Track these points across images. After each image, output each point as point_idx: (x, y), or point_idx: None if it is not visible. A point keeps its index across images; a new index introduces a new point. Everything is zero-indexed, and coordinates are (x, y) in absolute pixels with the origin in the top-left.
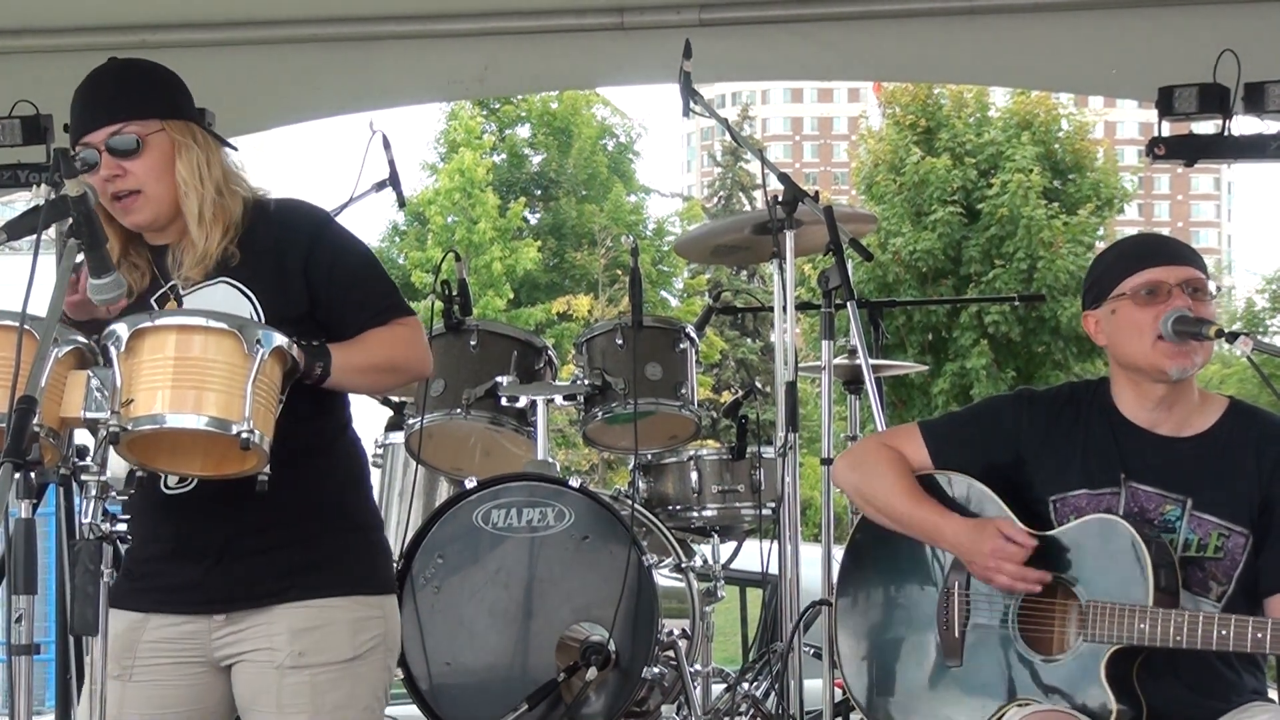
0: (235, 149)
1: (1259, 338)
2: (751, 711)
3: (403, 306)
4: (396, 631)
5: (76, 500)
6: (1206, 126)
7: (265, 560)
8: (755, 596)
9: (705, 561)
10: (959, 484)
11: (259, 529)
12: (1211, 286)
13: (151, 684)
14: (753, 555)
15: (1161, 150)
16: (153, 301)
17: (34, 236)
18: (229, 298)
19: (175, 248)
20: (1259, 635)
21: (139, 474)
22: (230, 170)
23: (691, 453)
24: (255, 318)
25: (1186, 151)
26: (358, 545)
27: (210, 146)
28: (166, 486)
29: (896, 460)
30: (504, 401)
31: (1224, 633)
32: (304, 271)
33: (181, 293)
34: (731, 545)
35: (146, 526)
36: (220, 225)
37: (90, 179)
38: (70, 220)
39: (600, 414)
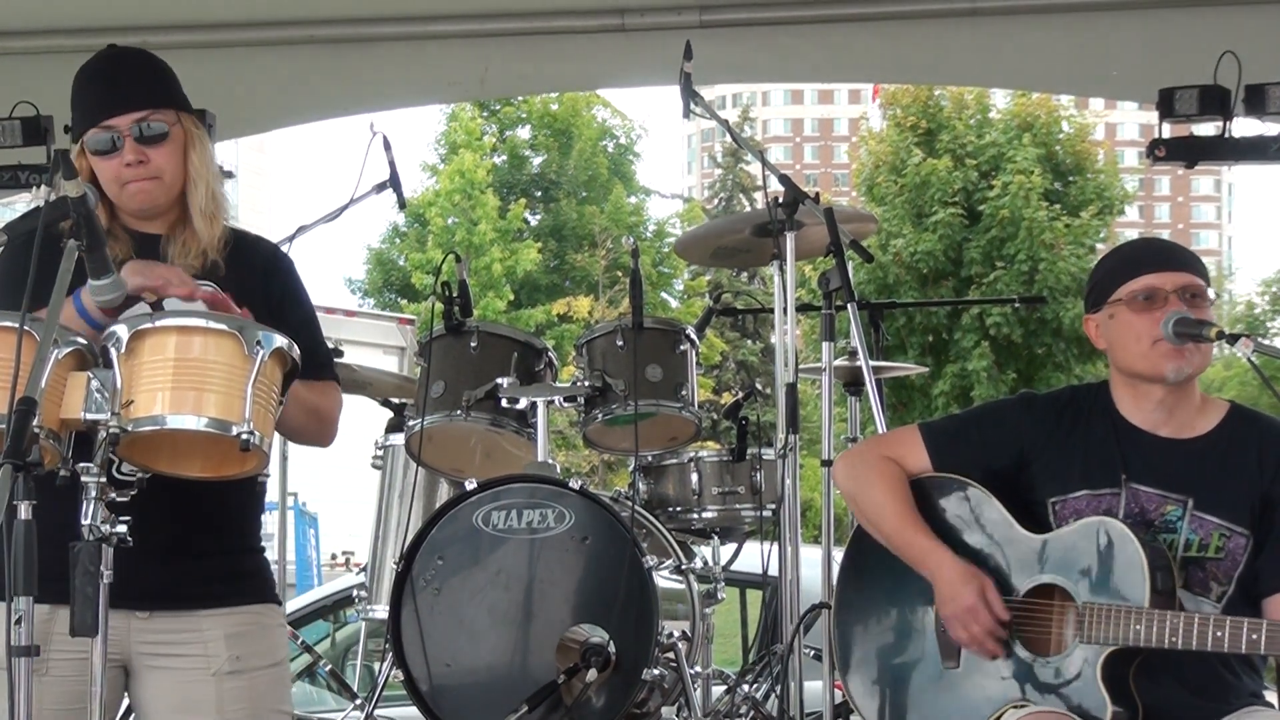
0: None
1: (1259, 339)
2: (751, 713)
3: (335, 371)
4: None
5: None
6: (1207, 128)
7: (196, 565)
8: (755, 598)
9: (705, 563)
10: (958, 487)
11: (195, 534)
12: (1210, 292)
13: (64, 679)
14: (753, 557)
15: (1162, 152)
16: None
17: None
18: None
19: (169, 239)
20: (1254, 637)
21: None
22: (219, 173)
23: (692, 454)
24: None
25: (1187, 153)
26: (264, 562)
27: (208, 143)
28: (119, 473)
29: (894, 477)
30: (504, 403)
31: (1219, 634)
32: (279, 304)
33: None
34: (732, 547)
35: (73, 516)
36: (218, 222)
37: (105, 162)
38: (70, 220)
39: (600, 415)
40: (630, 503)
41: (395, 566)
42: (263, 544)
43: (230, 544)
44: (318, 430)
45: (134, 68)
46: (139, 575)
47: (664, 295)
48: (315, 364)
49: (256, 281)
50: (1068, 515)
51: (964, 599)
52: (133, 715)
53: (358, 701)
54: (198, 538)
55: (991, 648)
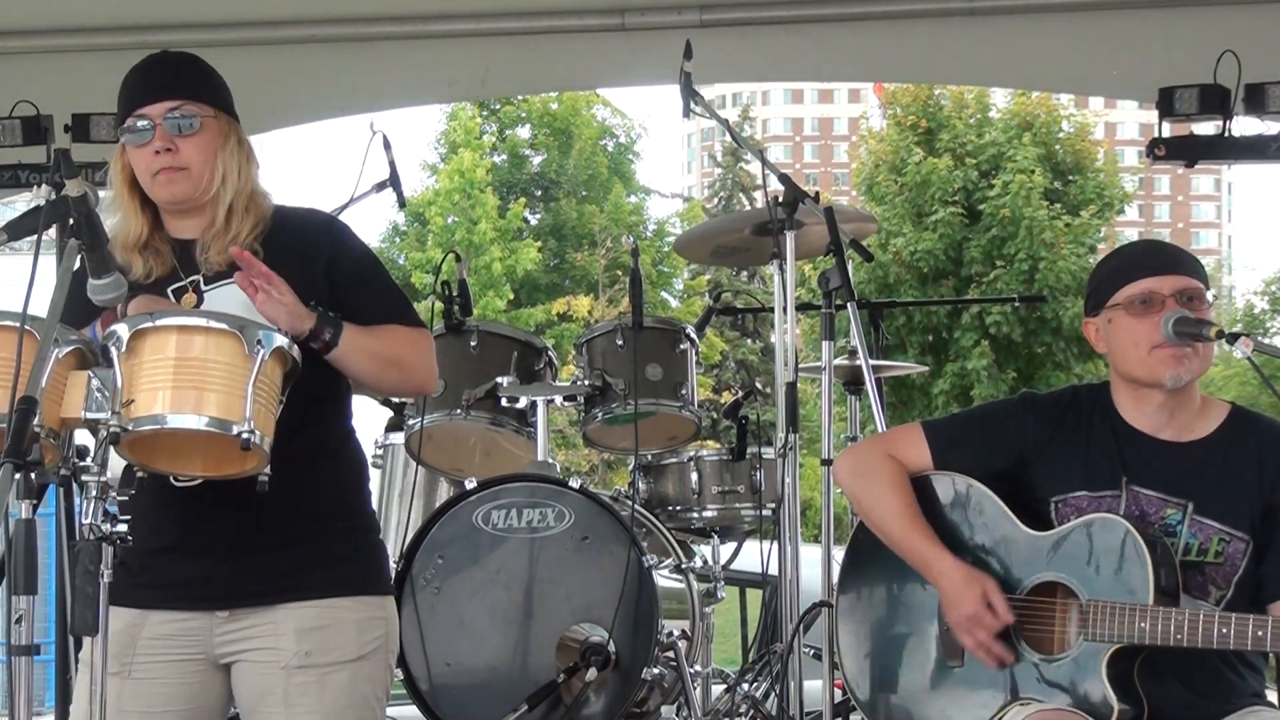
0: (258, 165)
1: (1259, 339)
2: (751, 712)
3: (419, 317)
4: (396, 633)
5: (77, 501)
6: (1207, 127)
7: (271, 558)
8: (755, 597)
9: (705, 562)
10: (959, 485)
11: (266, 526)
12: (1209, 295)
13: (150, 681)
14: (753, 556)
15: (1162, 151)
16: (170, 292)
17: (34, 237)
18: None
19: (203, 241)
20: (1259, 633)
21: (139, 472)
22: (258, 181)
23: (692, 453)
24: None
25: (1187, 152)
26: (361, 547)
27: (248, 149)
28: (176, 480)
29: (897, 476)
30: (504, 402)
31: (1224, 631)
32: (327, 274)
33: (204, 288)
34: (731, 546)
35: (151, 521)
36: (251, 218)
37: (138, 152)
38: (71, 220)
39: (600, 415)
40: (630, 502)
41: (395, 566)
42: (365, 520)
43: (310, 531)
44: (401, 378)
45: (174, 63)
46: (215, 576)
47: (664, 294)
48: (398, 310)
49: (293, 258)
50: (1069, 514)
51: (967, 605)
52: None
53: None
54: (271, 531)
55: (998, 653)
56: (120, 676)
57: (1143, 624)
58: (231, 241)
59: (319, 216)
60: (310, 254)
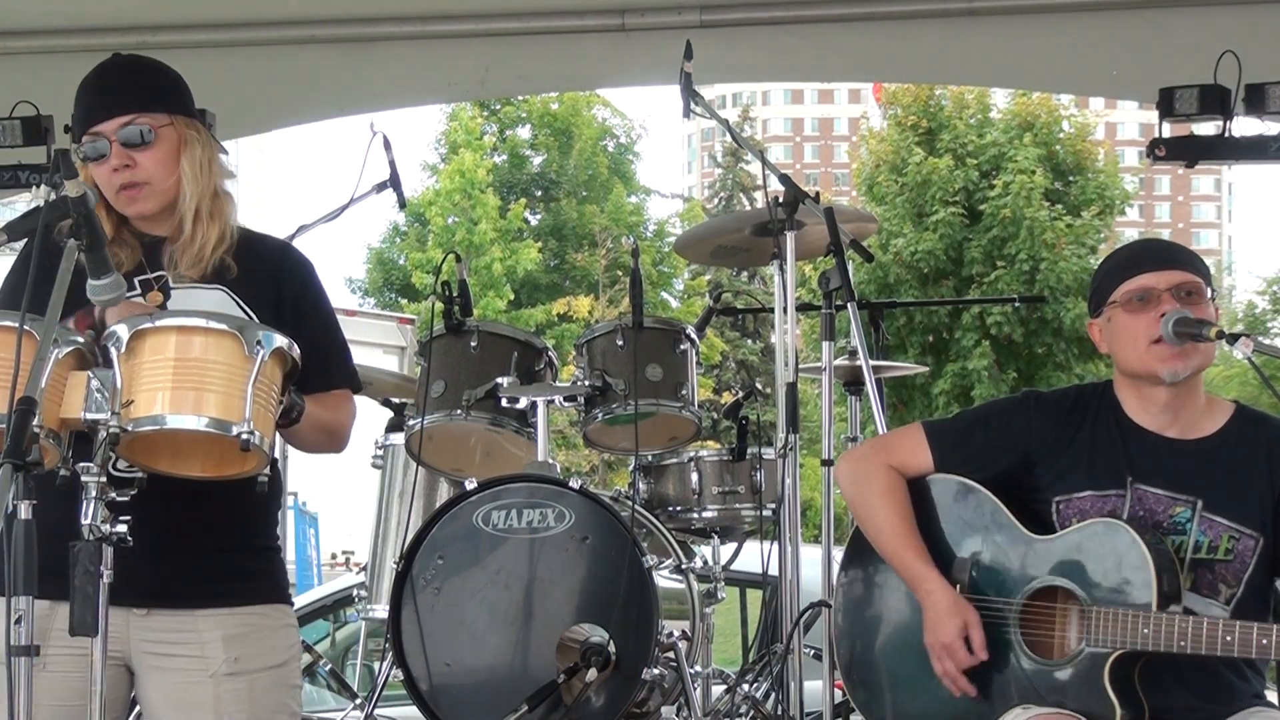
0: (226, 152)
1: (1259, 339)
2: (751, 713)
3: (355, 375)
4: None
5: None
6: (1207, 128)
7: (193, 563)
8: (755, 598)
9: (705, 563)
10: (960, 488)
11: (193, 532)
12: (1208, 289)
13: (64, 675)
14: (753, 556)
15: (1162, 151)
16: (136, 283)
17: (34, 237)
18: (224, 304)
19: (172, 243)
20: (1264, 641)
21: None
22: (225, 175)
23: (692, 454)
24: None
25: (1187, 153)
26: (273, 562)
27: (211, 147)
28: (115, 469)
29: (895, 489)
30: (504, 402)
31: (1228, 638)
32: (294, 307)
33: (172, 286)
34: (732, 546)
35: (67, 508)
36: (216, 227)
37: (98, 169)
38: (70, 221)
39: (600, 415)
40: (630, 502)
41: (395, 566)
42: (276, 540)
43: (232, 542)
44: (330, 445)
45: (123, 74)
46: (136, 573)
47: (664, 295)
48: (330, 372)
49: (267, 284)
50: (1071, 516)
51: (944, 634)
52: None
53: (358, 701)
54: (197, 536)
55: (963, 687)
56: (36, 670)
57: (1145, 629)
58: (198, 254)
59: (296, 251)
60: (284, 284)
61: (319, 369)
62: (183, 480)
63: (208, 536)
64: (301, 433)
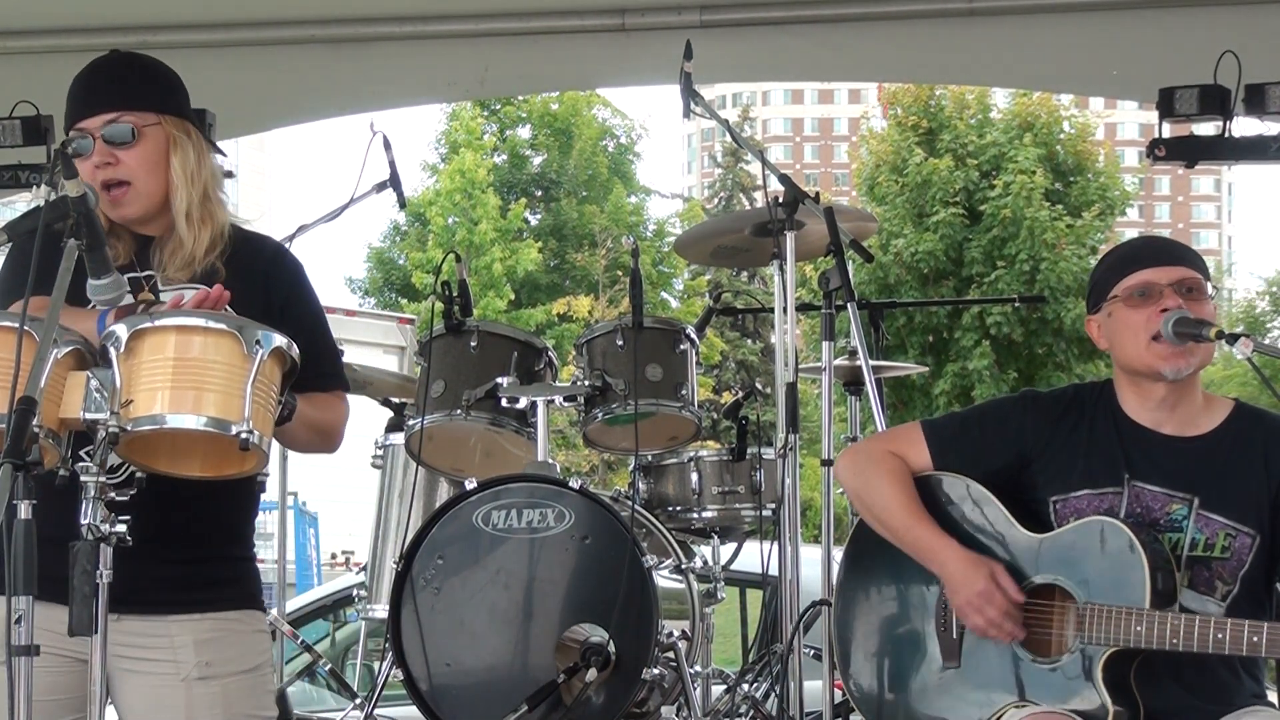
0: (224, 154)
1: (1259, 339)
2: (751, 713)
3: (344, 377)
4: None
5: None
6: (1207, 128)
7: (166, 570)
8: (755, 598)
9: (705, 563)
10: (958, 485)
11: (168, 538)
12: (1209, 286)
13: (47, 670)
14: (753, 556)
15: (1162, 152)
16: (126, 279)
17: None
18: None
19: (161, 242)
20: (1255, 639)
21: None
22: (218, 178)
23: (692, 454)
24: None
25: (1187, 153)
26: (247, 571)
27: (203, 148)
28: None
29: (898, 471)
30: (504, 402)
31: (1220, 636)
32: (282, 309)
33: (160, 287)
34: (731, 546)
35: (51, 509)
36: (208, 230)
37: (81, 165)
38: (71, 221)
39: (600, 415)
40: (630, 502)
41: (395, 566)
42: (252, 549)
43: (206, 551)
44: (322, 445)
45: (113, 70)
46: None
47: (664, 295)
48: (320, 373)
49: (257, 284)
50: (1069, 514)
51: (975, 583)
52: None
53: (357, 701)
54: (170, 544)
55: (1010, 629)
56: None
57: (1139, 628)
58: (189, 258)
59: (285, 251)
60: (273, 285)
61: (311, 369)
62: (156, 487)
63: (181, 545)
64: (293, 432)
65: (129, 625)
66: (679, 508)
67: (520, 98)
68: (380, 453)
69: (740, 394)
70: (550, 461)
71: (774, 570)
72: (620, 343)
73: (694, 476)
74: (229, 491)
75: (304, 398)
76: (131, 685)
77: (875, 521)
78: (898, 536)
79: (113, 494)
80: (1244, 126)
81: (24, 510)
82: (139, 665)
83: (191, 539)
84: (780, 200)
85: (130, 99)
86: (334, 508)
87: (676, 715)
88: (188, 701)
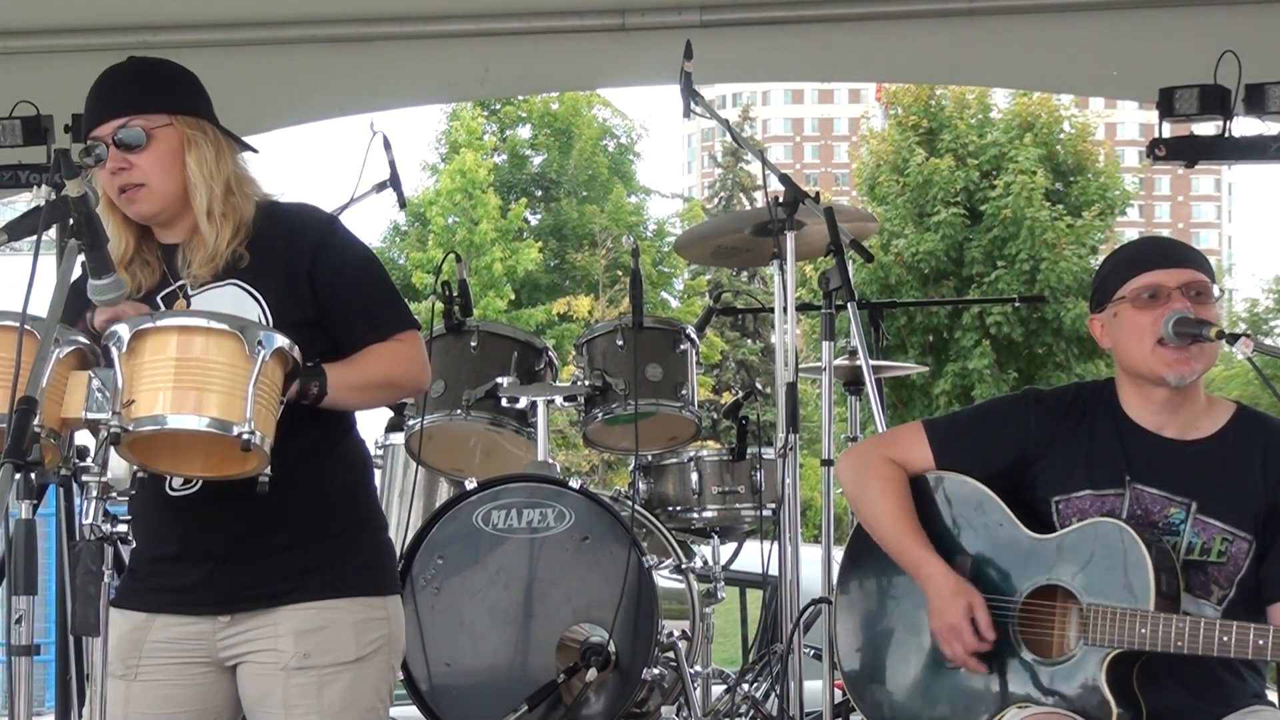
0: (255, 150)
1: (1260, 339)
2: (751, 713)
3: (403, 318)
4: (401, 632)
5: (77, 501)
6: (1207, 128)
7: (269, 562)
8: (755, 597)
9: (705, 562)
10: (960, 486)
11: (263, 531)
12: (1215, 289)
13: (158, 684)
14: (753, 556)
15: (1162, 151)
16: (159, 300)
17: (34, 237)
18: (237, 299)
19: (185, 246)
20: (1260, 642)
21: (140, 474)
22: (242, 172)
23: (692, 454)
24: (263, 320)
25: (1187, 153)
26: (362, 547)
27: (222, 144)
28: (171, 488)
29: (895, 481)
30: (504, 402)
31: (1225, 639)
32: (309, 276)
33: (190, 292)
34: (731, 546)
35: (152, 527)
36: (230, 224)
37: (101, 173)
38: (71, 220)
39: (600, 415)
40: (630, 502)
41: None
42: (369, 516)
43: (291, 538)
44: (393, 395)
45: (123, 77)
46: (211, 583)
47: (664, 295)
48: (373, 325)
49: (279, 261)
50: (1071, 515)
51: (950, 615)
52: None
53: None
54: (258, 538)
55: (973, 667)
56: (126, 679)
57: (1143, 629)
58: (211, 254)
59: (309, 213)
60: (296, 254)
61: (360, 324)
62: (233, 484)
63: (278, 535)
64: (350, 401)
65: (242, 623)
66: (679, 508)
67: (520, 98)
68: (380, 452)
69: (740, 394)
70: (550, 461)
71: (774, 570)
72: (620, 343)
73: (694, 476)
74: (319, 467)
75: (344, 366)
76: (243, 675)
77: (869, 529)
78: (888, 548)
79: (114, 494)
80: (1244, 126)
81: (24, 510)
82: (250, 656)
83: (288, 527)
84: (780, 200)
85: (139, 103)
86: None
87: (676, 715)
88: (284, 691)
